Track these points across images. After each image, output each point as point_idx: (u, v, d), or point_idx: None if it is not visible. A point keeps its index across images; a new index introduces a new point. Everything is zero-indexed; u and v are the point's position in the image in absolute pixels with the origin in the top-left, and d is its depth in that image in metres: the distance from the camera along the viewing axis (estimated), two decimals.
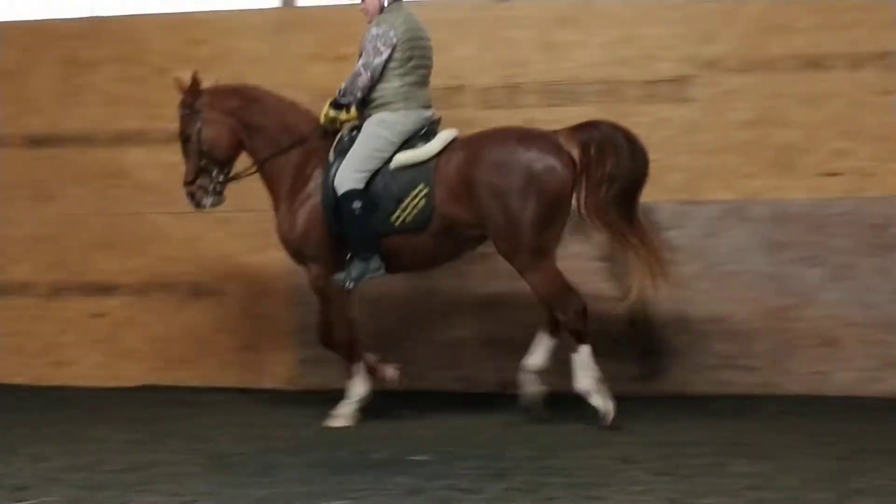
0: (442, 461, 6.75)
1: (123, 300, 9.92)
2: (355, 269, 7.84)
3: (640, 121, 8.85)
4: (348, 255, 7.89)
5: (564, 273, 7.75)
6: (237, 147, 8.28)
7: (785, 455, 6.84)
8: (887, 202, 8.95)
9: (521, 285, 7.84)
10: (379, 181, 7.84)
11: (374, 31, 7.88)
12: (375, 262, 7.84)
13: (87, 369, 9.75)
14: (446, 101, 9.14)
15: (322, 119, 8.08)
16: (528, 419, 7.95)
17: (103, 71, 9.97)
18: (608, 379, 7.76)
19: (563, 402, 7.88)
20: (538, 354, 7.94)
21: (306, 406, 8.71)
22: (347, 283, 7.87)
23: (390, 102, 7.88)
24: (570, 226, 7.83)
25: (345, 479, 6.36)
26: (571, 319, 7.65)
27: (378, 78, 7.88)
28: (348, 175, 7.81)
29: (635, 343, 9.18)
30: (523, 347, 8.01)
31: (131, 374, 9.87)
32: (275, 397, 9.27)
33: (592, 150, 7.66)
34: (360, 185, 7.79)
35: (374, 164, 7.85)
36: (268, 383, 9.67)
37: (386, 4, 8.02)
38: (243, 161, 8.42)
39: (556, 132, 7.80)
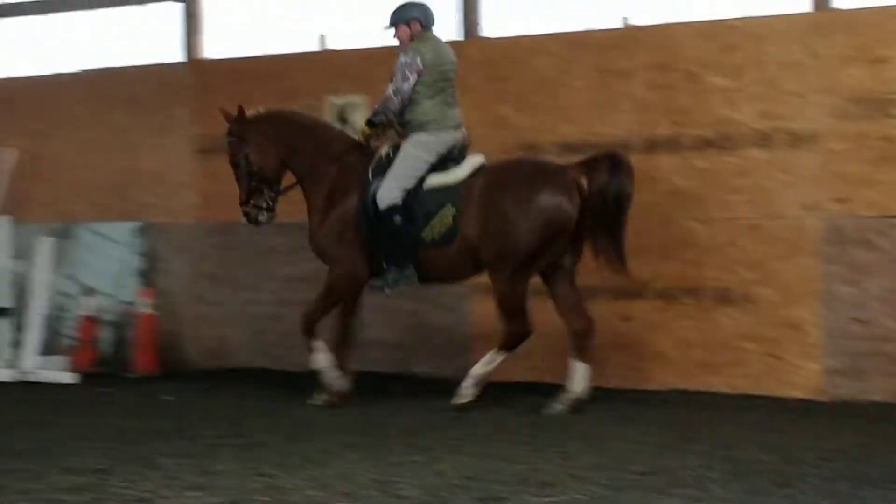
0: None
1: (651, 304, 10.04)
2: (392, 275, 8.86)
3: None
4: (385, 264, 8.84)
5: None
6: (282, 167, 9.30)
7: None
8: None
9: None
10: (414, 198, 8.74)
11: (402, 59, 8.81)
12: (409, 271, 8.84)
13: (612, 370, 9.93)
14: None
15: (360, 136, 9.10)
16: None
17: (636, 79, 10.13)
18: None
19: None
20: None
21: (835, 418, 8.49)
22: (385, 289, 8.98)
23: (426, 123, 8.77)
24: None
25: (871, 496, 6.15)
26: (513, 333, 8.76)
27: (408, 101, 8.78)
28: (389, 191, 8.73)
29: None
30: None
31: (659, 378, 9.97)
32: (802, 407, 9.09)
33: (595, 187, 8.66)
34: (400, 201, 8.72)
35: (411, 182, 8.76)
36: (795, 392, 9.49)
37: (415, 34, 8.90)
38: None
39: (568, 166, 8.75)
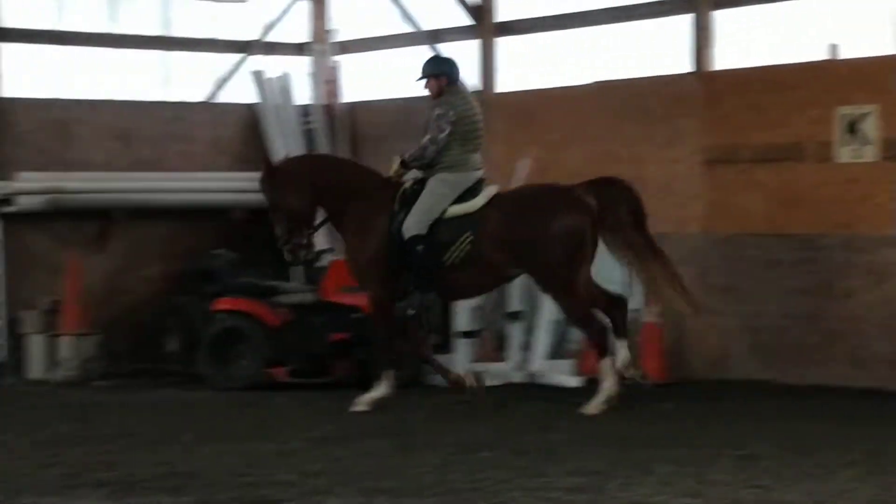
0: None
1: None
2: (416, 298, 9.84)
3: None
4: (410, 287, 9.80)
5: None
6: (315, 206, 10.17)
7: None
8: None
9: None
10: (436, 228, 9.71)
11: (437, 111, 9.80)
12: (431, 294, 9.88)
13: None
14: None
15: (392, 173, 10.01)
16: None
17: None
18: None
19: None
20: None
21: None
22: (409, 311, 9.91)
23: (452, 166, 9.80)
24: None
25: None
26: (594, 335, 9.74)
27: (441, 148, 9.76)
28: (414, 223, 9.71)
29: None
30: None
31: None
32: None
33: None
34: (424, 231, 9.68)
35: (434, 215, 9.75)
36: None
37: (443, 86, 9.91)
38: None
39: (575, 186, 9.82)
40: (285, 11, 15.07)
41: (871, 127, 10.00)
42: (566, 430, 8.92)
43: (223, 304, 11.84)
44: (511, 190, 10.30)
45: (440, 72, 10.06)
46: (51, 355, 12.43)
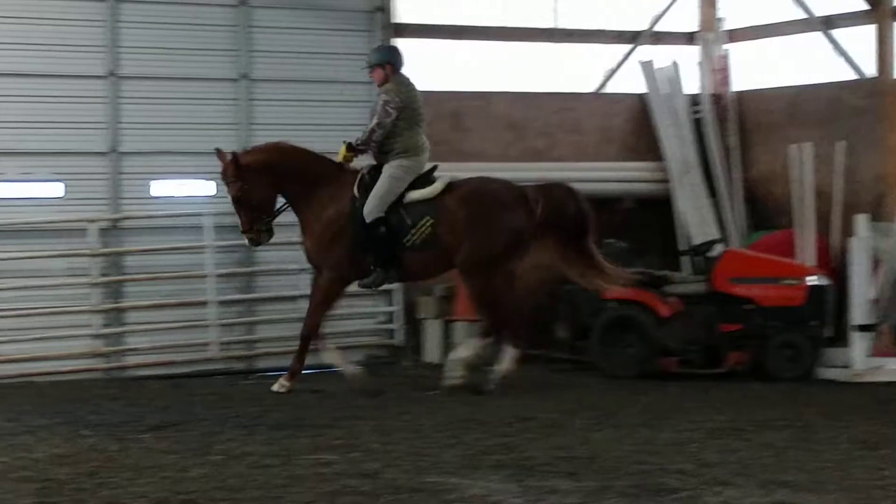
0: None
1: None
2: (378, 277, 10.42)
3: None
4: (371, 266, 10.37)
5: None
6: (277, 194, 10.68)
7: None
8: None
9: None
10: (395, 211, 10.31)
11: (384, 97, 10.41)
12: (392, 273, 10.43)
13: None
14: None
15: (339, 157, 10.56)
16: None
17: None
18: None
19: None
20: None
21: None
22: (371, 287, 10.56)
23: (407, 151, 10.42)
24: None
25: None
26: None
27: (388, 133, 10.37)
28: (375, 207, 10.29)
29: None
30: None
31: None
32: None
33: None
34: (383, 214, 10.26)
35: (392, 198, 10.34)
36: None
37: (388, 74, 10.57)
38: None
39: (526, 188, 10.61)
40: (674, 1, 15.01)
41: None
42: None
43: (614, 293, 11.91)
44: (464, 180, 10.75)
45: (385, 60, 10.72)
46: (445, 339, 12.84)
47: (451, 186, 10.63)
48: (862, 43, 13.30)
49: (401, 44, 12.09)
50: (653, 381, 11.36)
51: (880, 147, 13.26)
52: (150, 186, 12.32)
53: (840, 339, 11.73)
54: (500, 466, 7.21)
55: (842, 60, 13.66)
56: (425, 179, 10.62)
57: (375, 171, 10.60)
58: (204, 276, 12.27)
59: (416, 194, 10.53)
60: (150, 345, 12.05)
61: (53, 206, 12.01)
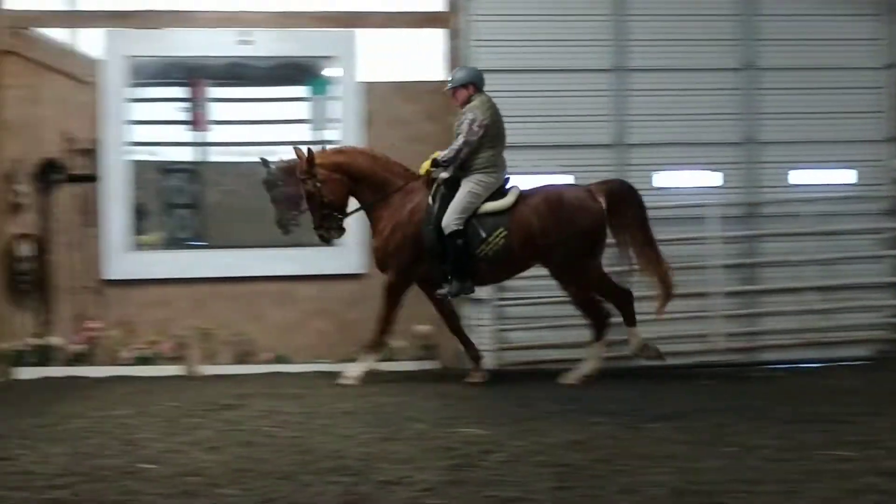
0: None
1: None
2: (454, 286, 10.72)
3: None
4: (448, 276, 10.71)
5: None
6: (349, 195, 10.95)
7: None
8: None
9: None
10: (471, 223, 10.71)
11: (470, 116, 10.74)
12: (469, 283, 10.77)
13: None
14: None
15: (422, 171, 10.86)
16: None
17: None
18: None
19: None
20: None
21: None
22: (448, 296, 10.84)
23: (486, 168, 10.78)
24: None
25: None
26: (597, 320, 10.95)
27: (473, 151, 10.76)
28: (453, 219, 10.66)
29: None
30: None
31: None
32: None
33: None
34: (461, 227, 10.67)
35: (470, 212, 10.73)
36: None
37: (471, 94, 10.87)
38: None
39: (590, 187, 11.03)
40: None
41: None
42: None
43: None
44: (533, 188, 10.94)
45: (468, 81, 10.88)
46: None
47: (522, 197, 10.88)
48: None
49: None
50: None
51: None
52: (652, 178, 12.43)
53: None
54: None
55: None
56: (498, 192, 10.86)
57: (451, 183, 10.85)
58: (708, 267, 12.25)
59: (489, 206, 10.81)
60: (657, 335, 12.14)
61: None
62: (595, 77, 12.38)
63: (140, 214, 12.17)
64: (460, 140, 10.73)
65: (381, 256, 11.01)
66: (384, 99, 12.32)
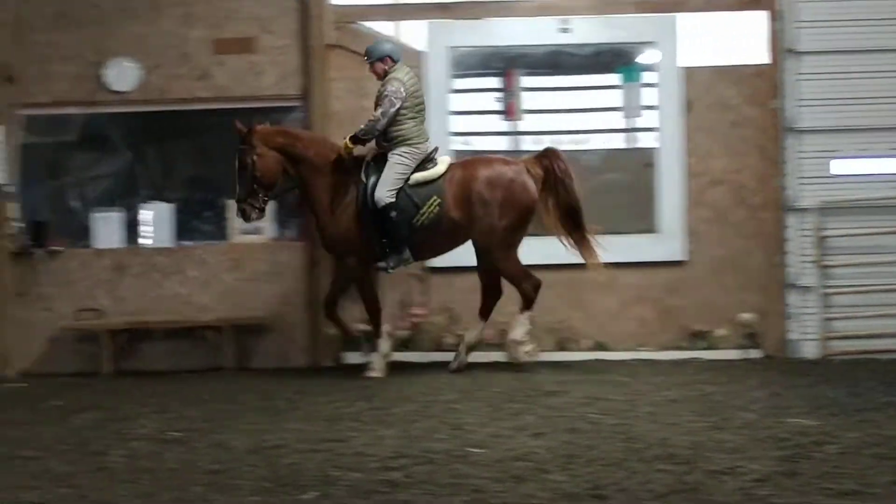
0: None
1: None
2: (393, 259, 10.84)
3: None
4: (386, 249, 10.80)
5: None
6: (282, 174, 11.03)
7: None
8: None
9: None
10: (404, 195, 10.80)
11: (388, 87, 10.79)
12: (406, 253, 10.87)
13: None
14: None
15: (343, 149, 10.93)
16: None
17: None
18: None
19: None
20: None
21: None
22: (388, 270, 10.93)
23: (410, 138, 10.85)
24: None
25: None
26: (528, 290, 10.87)
27: (391, 122, 10.74)
28: (384, 193, 10.77)
29: None
30: None
31: None
32: None
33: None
34: (393, 199, 10.76)
35: (400, 184, 10.82)
36: None
37: (388, 68, 10.91)
38: None
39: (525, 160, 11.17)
40: None
41: None
42: None
43: None
44: (463, 160, 11.20)
45: (384, 54, 10.91)
46: None
47: (453, 166, 11.00)
48: None
49: None
50: None
51: None
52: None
53: None
54: None
55: None
56: (427, 161, 10.92)
57: (380, 158, 10.89)
58: None
59: (420, 175, 10.87)
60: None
61: (890, 182, 11.90)
62: None
63: None
64: (378, 112, 10.78)
65: (332, 243, 11.06)
66: (705, 84, 12.10)
